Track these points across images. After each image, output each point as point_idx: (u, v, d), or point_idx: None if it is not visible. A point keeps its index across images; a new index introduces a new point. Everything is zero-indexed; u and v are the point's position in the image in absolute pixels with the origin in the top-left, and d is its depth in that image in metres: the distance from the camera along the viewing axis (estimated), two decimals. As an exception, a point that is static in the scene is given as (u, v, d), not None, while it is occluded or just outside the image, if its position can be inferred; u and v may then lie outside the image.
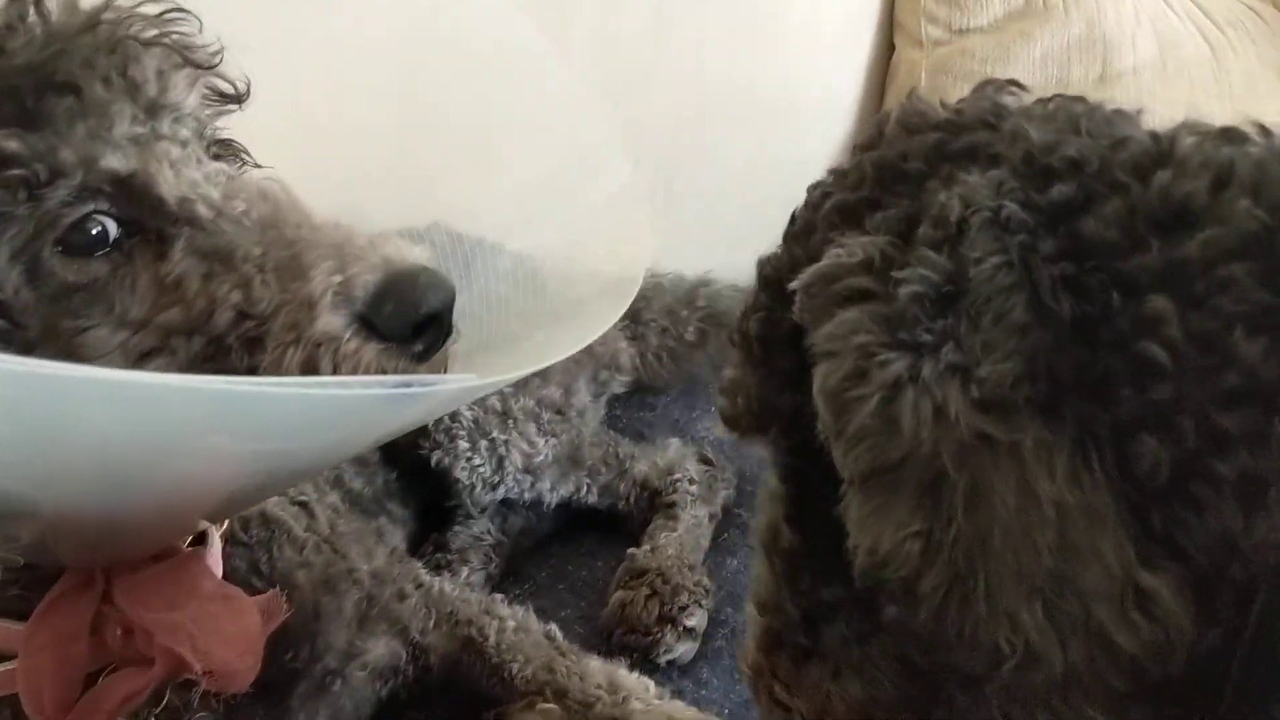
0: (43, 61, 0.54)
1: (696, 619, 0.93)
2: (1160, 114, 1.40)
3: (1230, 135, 0.44)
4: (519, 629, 0.84)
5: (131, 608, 0.60)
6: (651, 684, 0.83)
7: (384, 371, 0.55)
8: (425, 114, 0.93)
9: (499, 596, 0.89)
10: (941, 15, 1.59)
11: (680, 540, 0.98)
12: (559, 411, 1.03)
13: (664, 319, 1.22)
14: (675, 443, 1.10)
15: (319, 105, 0.90)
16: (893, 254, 0.41)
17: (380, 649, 0.79)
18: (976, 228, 0.40)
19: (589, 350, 1.11)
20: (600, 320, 0.67)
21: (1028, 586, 0.37)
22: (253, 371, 0.55)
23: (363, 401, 0.48)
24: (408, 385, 0.49)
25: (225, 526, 0.71)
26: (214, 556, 0.67)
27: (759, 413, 0.51)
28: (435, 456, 0.97)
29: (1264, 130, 0.45)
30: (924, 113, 0.50)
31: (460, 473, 0.97)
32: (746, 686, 0.59)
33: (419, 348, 0.57)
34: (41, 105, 0.53)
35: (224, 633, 0.61)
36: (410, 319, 0.55)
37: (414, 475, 1.00)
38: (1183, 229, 0.40)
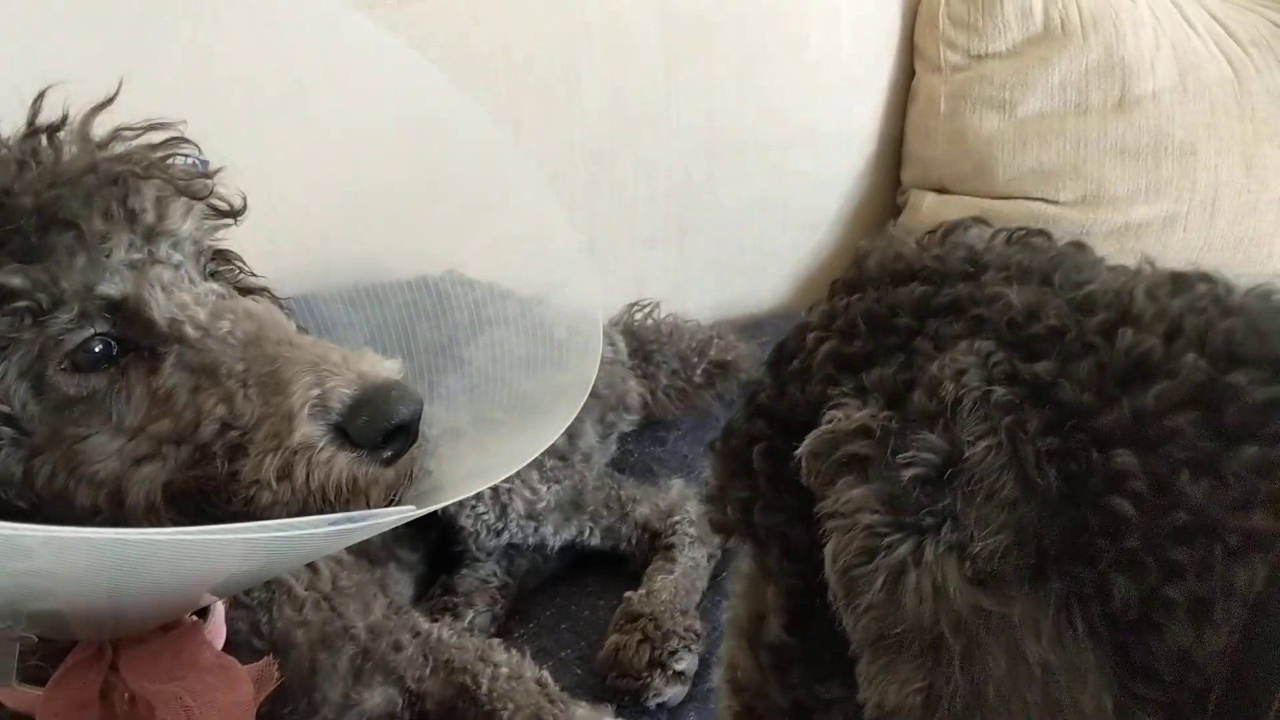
0: (46, 202, 0.59)
1: (686, 663, 0.96)
2: (1179, 138, 1.39)
3: (1179, 283, 0.48)
4: (511, 676, 0.88)
5: (134, 679, 0.65)
6: None
7: (354, 476, 0.60)
8: (437, 181, 0.98)
9: (496, 641, 0.92)
10: (960, 41, 1.60)
11: (675, 584, 1.01)
12: (562, 457, 1.06)
13: (674, 362, 1.26)
14: (678, 484, 1.13)
15: (343, 178, 0.96)
16: (889, 425, 0.45)
17: (376, 699, 0.82)
18: (969, 409, 0.44)
19: (595, 393, 1.14)
20: (565, 411, 0.71)
21: None
22: (234, 477, 0.60)
23: (306, 538, 0.52)
24: (351, 520, 0.54)
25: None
26: (217, 622, 0.72)
27: (760, 531, 0.54)
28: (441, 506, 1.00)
29: (1207, 278, 0.48)
30: (904, 256, 0.54)
31: (465, 520, 1.01)
32: None
33: (388, 454, 0.62)
34: (45, 241, 0.59)
35: (218, 703, 0.66)
36: (382, 429, 0.61)
37: (423, 522, 1.02)
38: (1141, 382, 0.43)
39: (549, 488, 1.03)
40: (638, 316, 1.36)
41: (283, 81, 1.00)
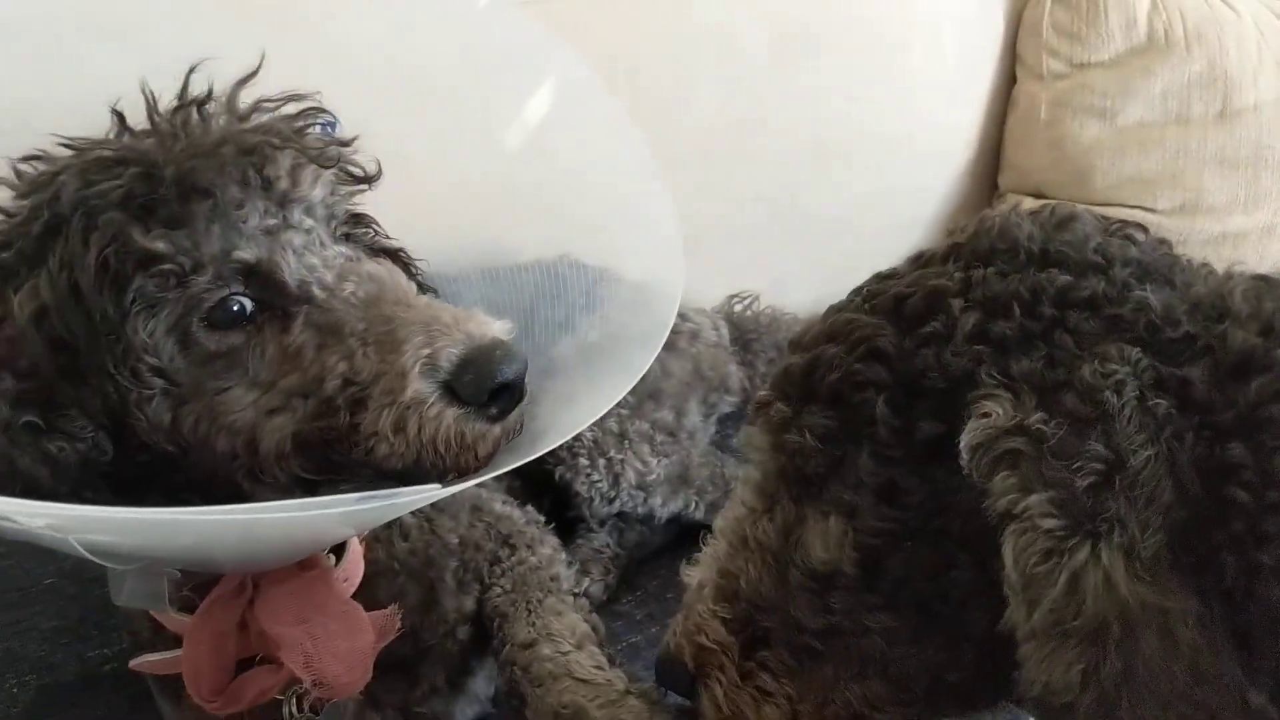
0: (185, 172, 0.64)
1: None
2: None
3: (1269, 284, 0.54)
4: (534, 569, 0.90)
5: (264, 621, 0.70)
6: (583, 629, 0.86)
7: (462, 431, 0.64)
8: (552, 167, 1.05)
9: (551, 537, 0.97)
10: (1063, 49, 1.62)
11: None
12: (671, 434, 1.12)
13: (771, 351, 1.31)
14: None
15: (473, 168, 1.02)
16: (1045, 428, 0.50)
17: (471, 603, 0.88)
18: (1129, 418, 0.49)
19: (700, 374, 1.21)
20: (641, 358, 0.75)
21: (1164, 703, 0.47)
22: (355, 428, 0.65)
23: (329, 518, 0.57)
24: (371, 499, 0.58)
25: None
26: (354, 560, 0.78)
27: (848, 469, 0.57)
28: (559, 471, 1.08)
29: None
30: (1034, 236, 0.58)
31: (580, 487, 1.07)
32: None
33: (493, 411, 0.65)
34: (186, 209, 0.64)
35: (337, 650, 0.70)
36: (486, 386, 0.64)
37: (538, 486, 1.10)
38: (1244, 377, 0.49)
39: (658, 461, 1.09)
40: (737, 308, 1.42)
41: (423, 69, 1.08)
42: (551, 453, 1.05)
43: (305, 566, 0.72)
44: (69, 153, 0.68)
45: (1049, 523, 0.49)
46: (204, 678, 0.69)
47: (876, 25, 1.58)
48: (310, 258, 0.68)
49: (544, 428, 0.72)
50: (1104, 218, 0.61)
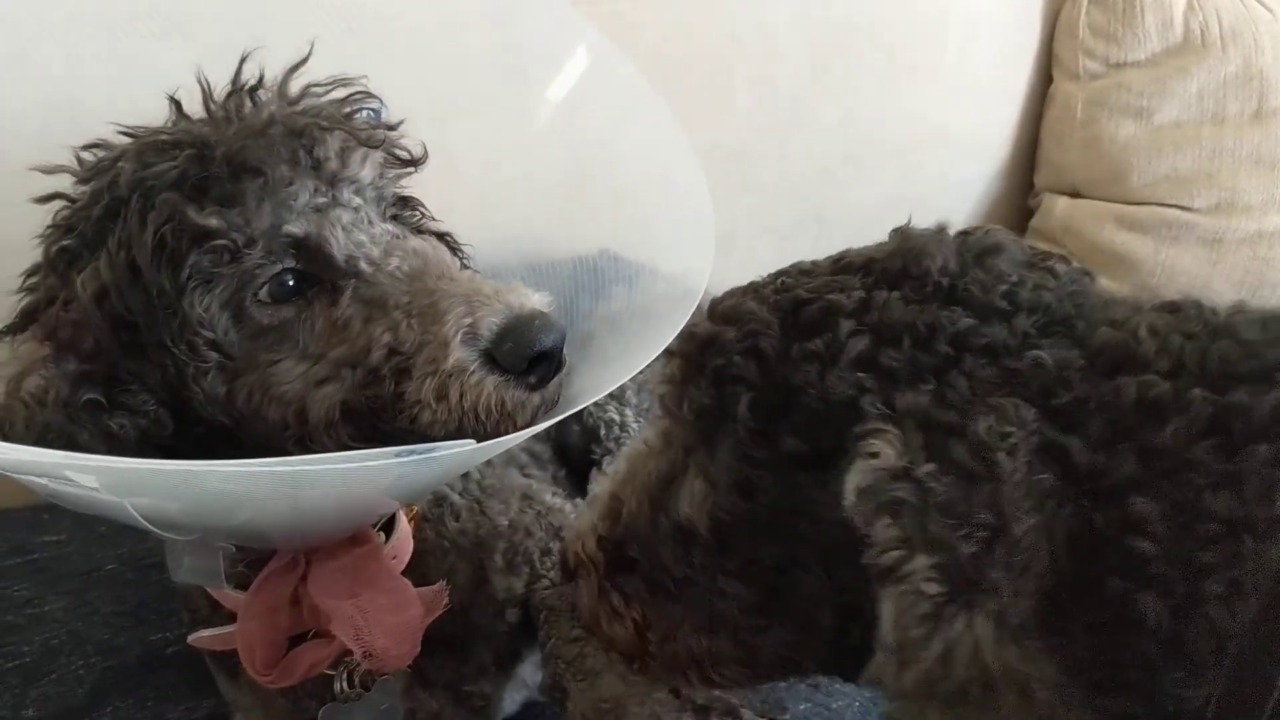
0: (235, 152, 0.66)
1: None
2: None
3: (1174, 312, 0.53)
4: (553, 511, 0.94)
5: (317, 593, 0.72)
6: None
7: (502, 399, 0.66)
8: (593, 165, 1.07)
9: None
10: (1099, 49, 1.64)
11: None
12: None
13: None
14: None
15: (508, 164, 1.05)
16: (934, 480, 0.49)
17: (519, 586, 0.89)
18: (1016, 483, 0.48)
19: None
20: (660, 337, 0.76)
21: None
22: (399, 397, 0.67)
23: (374, 470, 0.58)
24: (410, 452, 0.58)
25: (415, 508, 0.84)
26: (402, 537, 0.79)
27: (713, 449, 0.58)
28: (605, 461, 1.09)
29: (1197, 304, 0.54)
30: (948, 268, 0.56)
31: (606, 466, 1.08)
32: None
33: (532, 379, 0.67)
34: (238, 187, 0.66)
35: (385, 624, 0.72)
36: (525, 355, 0.66)
37: (583, 475, 1.11)
38: (1156, 424, 0.48)
39: None
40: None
41: (468, 68, 1.10)
42: (598, 441, 1.09)
43: (355, 543, 0.75)
44: (127, 140, 0.71)
45: (932, 589, 0.48)
46: (258, 651, 0.72)
47: (913, 26, 1.59)
48: (358, 234, 0.70)
49: (577, 392, 0.73)
50: (1032, 248, 0.60)
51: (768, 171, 1.56)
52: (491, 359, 0.66)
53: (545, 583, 0.89)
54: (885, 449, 0.50)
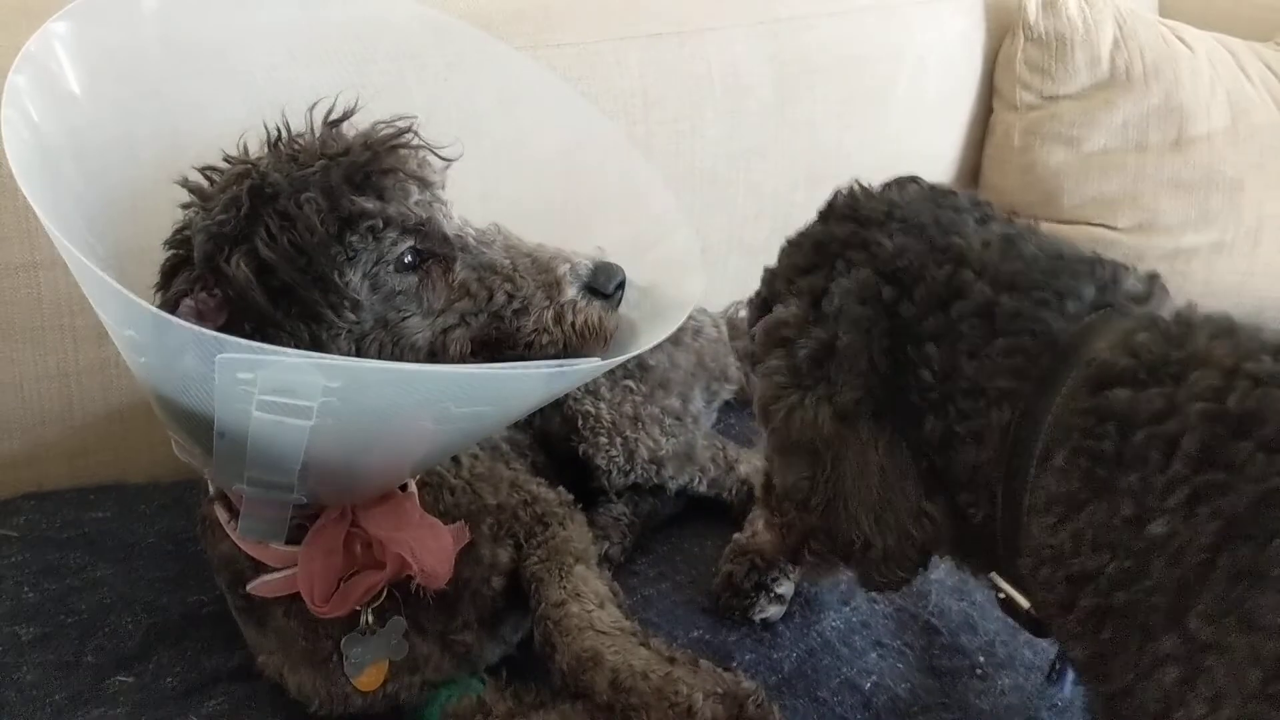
0: (370, 158, 0.85)
1: (785, 588, 1.13)
2: (1228, 174, 1.57)
3: (1005, 242, 0.75)
4: (565, 541, 1.05)
5: (371, 528, 0.89)
6: (604, 592, 1.01)
7: (600, 317, 0.91)
8: (580, 184, 1.21)
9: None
10: (1035, 83, 1.77)
11: (771, 525, 1.22)
12: (678, 417, 1.27)
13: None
14: (772, 448, 1.34)
15: (506, 187, 1.18)
16: (803, 318, 0.75)
17: (504, 556, 1.03)
18: (843, 314, 0.72)
19: (703, 366, 1.37)
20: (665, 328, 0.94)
21: (866, 507, 0.69)
22: (519, 330, 0.89)
23: (529, 378, 0.80)
24: (560, 367, 0.81)
25: (417, 479, 0.99)
26: (415, 499, 0.96)
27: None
28: (582, 448, 1.23)
29: (1030, 231, 0.78)
30: (856, 202, 0.82)
31: (600, 461, 1.22)
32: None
33: (617, 299, 0.93)
34: (375, 182, 0.84)
35: (430, 547, 0.90)
36: (614, 280, 0.92)
37: (563, 461, 1.25)
38: (954, 300, 0.71)
39: (667, 440, 1.24)
40: (742, 313, 1.56)
41: (464, 111, 1.23)
42: (576, 432, 1.23)
43: (387, 498, 0.92)
44: (228, 166, 0.88)
45: (778, 379, 0.75)
46: (318, 587, 0.88)
47: (868, 64, 1.72)
48: (455, 221, 0.91)
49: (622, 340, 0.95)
50: (935, 187, 0.85)
51: (737, 196, 1.68)
52: (589, 289, 0.91)
53: (534, 559, 1.04)
54: (785, 307, 0.79)
